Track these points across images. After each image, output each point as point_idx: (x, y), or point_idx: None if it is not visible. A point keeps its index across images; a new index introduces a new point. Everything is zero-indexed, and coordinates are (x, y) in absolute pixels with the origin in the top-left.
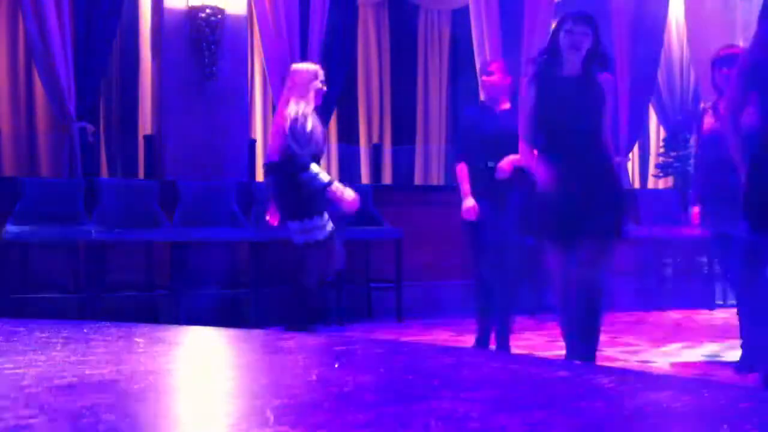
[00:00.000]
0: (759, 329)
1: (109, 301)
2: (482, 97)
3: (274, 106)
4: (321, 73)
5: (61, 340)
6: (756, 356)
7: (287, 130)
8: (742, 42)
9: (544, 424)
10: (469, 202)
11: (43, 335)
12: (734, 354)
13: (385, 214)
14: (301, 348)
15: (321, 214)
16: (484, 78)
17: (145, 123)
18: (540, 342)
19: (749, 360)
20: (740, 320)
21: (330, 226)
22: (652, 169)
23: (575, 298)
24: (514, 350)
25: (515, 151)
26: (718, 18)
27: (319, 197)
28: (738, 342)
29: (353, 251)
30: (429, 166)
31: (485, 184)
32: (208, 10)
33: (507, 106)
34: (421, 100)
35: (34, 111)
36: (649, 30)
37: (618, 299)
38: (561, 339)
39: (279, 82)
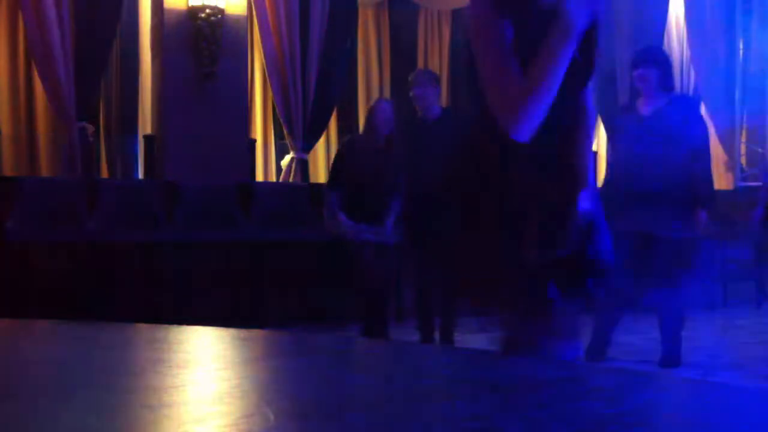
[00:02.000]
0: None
1: (109, 301)
2: (416, 107)
3: (274, 106)
4: (378, 106)
5: (60, 341)
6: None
7: None
8: (742, 42)
9: (543, 425)
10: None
11: (43, 335)
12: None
13: None
14: (302, 348)
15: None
16: (414, 90)
17: (145, 123)
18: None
19: None
20: None
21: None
22: None
23: None
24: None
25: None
26: (718, 18)
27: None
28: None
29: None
30: None
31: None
32: (208, 10)
33: (437, 114)
34: None
35: (34, 111)
36: (649, 30)
37: None
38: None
39: (279, 82)
